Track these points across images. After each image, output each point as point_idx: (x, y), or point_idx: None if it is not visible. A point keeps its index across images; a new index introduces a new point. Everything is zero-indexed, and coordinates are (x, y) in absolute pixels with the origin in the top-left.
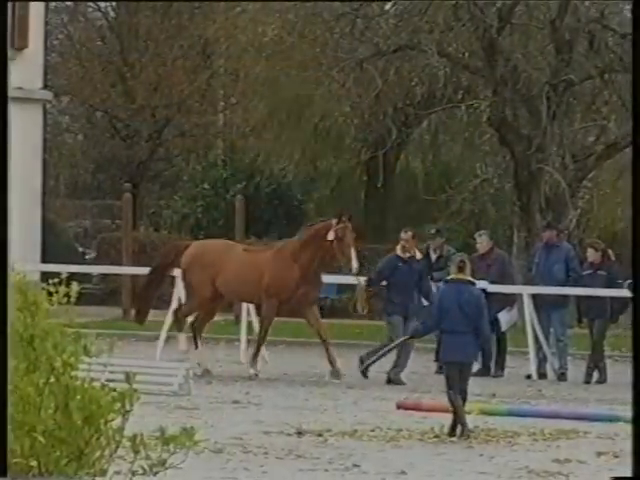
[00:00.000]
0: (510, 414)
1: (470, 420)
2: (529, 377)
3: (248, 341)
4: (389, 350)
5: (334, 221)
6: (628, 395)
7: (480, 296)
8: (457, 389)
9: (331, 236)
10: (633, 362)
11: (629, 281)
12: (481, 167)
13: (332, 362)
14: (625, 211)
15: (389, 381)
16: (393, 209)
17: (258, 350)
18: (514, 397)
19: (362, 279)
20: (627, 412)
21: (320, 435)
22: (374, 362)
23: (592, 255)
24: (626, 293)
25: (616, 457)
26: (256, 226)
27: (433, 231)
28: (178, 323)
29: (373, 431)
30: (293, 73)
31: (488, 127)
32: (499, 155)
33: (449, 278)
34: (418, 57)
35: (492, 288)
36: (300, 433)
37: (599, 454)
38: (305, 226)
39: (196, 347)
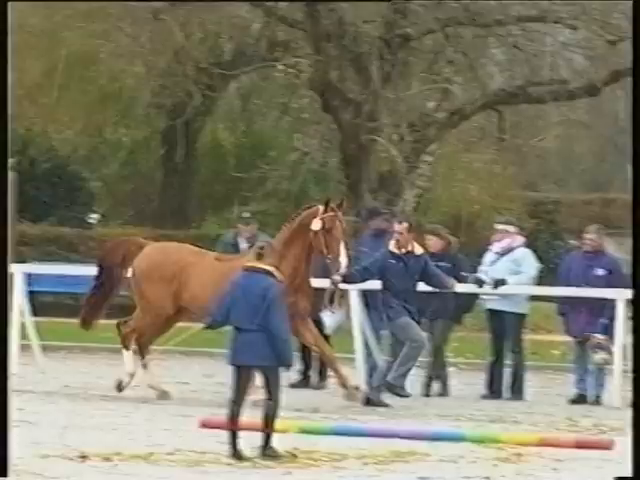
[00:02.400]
0: (335, 433)
1: (288, 440)
2: (357, 389)
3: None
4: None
5: (321, 208)
6: (475, 410)
7: (270, 287)
8: (241, 401)
9: (316, 226)
10: (633, 361)
11: (477, 274)
12: (301, 138)
13: (344, 384)
14: (471, 190)
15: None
16: (196, 188)
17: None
18: (340, 413)
19: (337, 277)
20: (474, 430)
21: (108, 459)
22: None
23: (433, 244)
24: (472, 288)
25: None
26: (31, 209)
27: (246, 215)
28: (124, 339)
29: (172, 454)
30: (75, 25)
31: (309, 90)
32: (322, 124)
33: (245, 266)
34: (225, 7)
35: (316, 283)
36: (84, 457)
37: None
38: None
39: (144, 366)
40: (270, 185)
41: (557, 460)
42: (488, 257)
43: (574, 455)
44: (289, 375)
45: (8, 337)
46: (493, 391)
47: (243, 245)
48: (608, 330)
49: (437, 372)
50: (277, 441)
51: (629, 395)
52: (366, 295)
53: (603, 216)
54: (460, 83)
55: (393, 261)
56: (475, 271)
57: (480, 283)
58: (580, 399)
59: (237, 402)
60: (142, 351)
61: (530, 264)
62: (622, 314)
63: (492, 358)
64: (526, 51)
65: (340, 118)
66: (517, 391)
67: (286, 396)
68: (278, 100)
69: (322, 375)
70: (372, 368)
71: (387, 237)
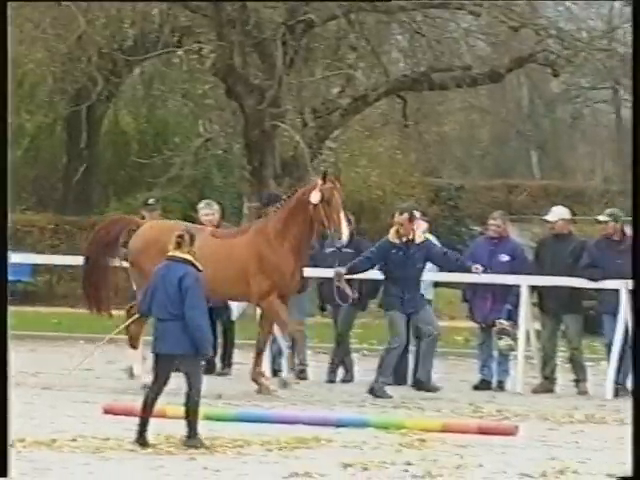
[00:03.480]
0: (239, 419)
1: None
2: (262, 375)
3: None
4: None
5: (319, 180)
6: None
7: (185, 276)
8: (157, 389)
9: (315, 198)
10: (633, 362)
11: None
12: (204, 124)
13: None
14: (374, 177)
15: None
16: (100, 174)
17: (260, 357)
18: (244, 399)
19: (340, 269)
20: (378, 416)
21: (11, 446)
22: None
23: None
24: (377, 274)
25: (365, 469)
26: None
27: (152, 201)
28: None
29: (75, 440)
30: None
31: (212, 76)
32: (226, 110)
33: (167, 255)
34: None
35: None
36: None
37: (345, 466)
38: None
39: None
40: (173, 171)
41: (460, 446)
42: None
43: (477, 441)
44: None
45: (8, 337)
46: (397, 377)
47: None
48: (512, 316)
49: (341, 358)
50: (179, 428)
51: (532, 381)
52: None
53: (506, 202)
54: (363, 69)
55: (393, 250)
56: None
57: None
58: (484, 385)
59: (153, 389)
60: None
61: None
62: (526, 300)
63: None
64: (429, 37)
65: (244, 104)
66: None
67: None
68: (181, 86)
69: (225, 362)
70: (276, 354)
71: None
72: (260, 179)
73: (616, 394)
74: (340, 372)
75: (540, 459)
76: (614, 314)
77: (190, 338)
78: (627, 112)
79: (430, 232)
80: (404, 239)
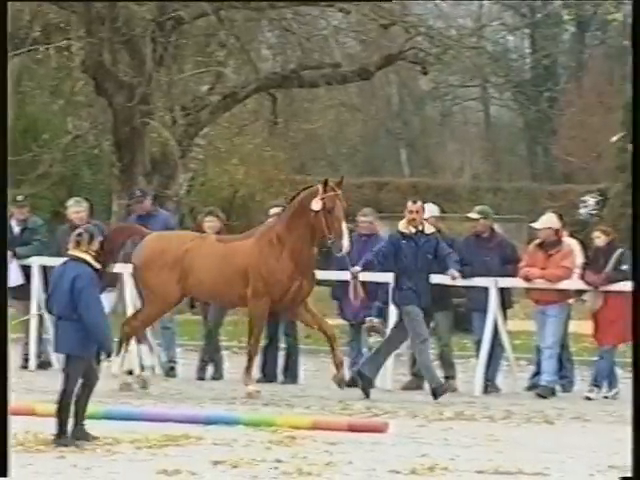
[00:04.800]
0: (108, 417)
1: (55, 424)
2: (130, 373)
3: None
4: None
5: (320, 187)
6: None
7: (79, 276)
8: (66, 388)
9: (316, 206)
10: (633, 360)
11: None
12: (74, 121)
13: (338, 366)
14: (244, 174)
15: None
16: None
17: (251, 363)
18: (112, 396)
19: (356, 267)
20: (248, 414)
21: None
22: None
23: (213, 225)
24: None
25: (235, 467)
26: None
27: (20, 198)
28: (132, 334)
29: None
30: None
31: (82, 73)
32: (96, 107)
33: (67, 254)
34: None
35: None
36: None
37: (215, 463)
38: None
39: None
40: (42, 168)
41: (330, 443)
42: None
43: (347, 438)
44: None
45: (8, 336)
46: (267, 374)
47: (16, 228)
48: (383, 314)
49: (211, 355)
50: (48, 426)
51: (402, 378)
52: None
53: (376, 199)
54: (233, 67)
55: (404, 241)
56: None
57: None
58: (354, 382)
59: (64, 389)
60: (127, 340)
61: None
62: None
63: (266, 341)
64: (299, 35)
65: (113, 101)
66: (291, 374)
67: (54, 381)
68: (50, 83)
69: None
70: (147, 350)
71: (152, 218)
72: (130, 176)
73: (485, 391)
74: (210, 369)
75: (410, 456)
76: (484, 311)
77: (86, 338)
78: (495, 110)
79: None
80: (413, 230)
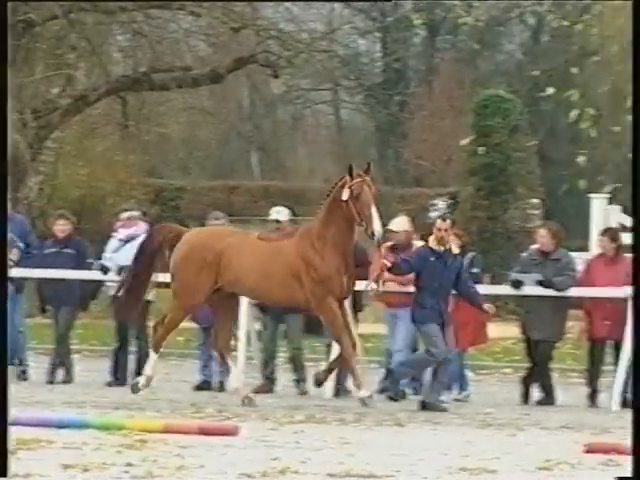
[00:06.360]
0: None
1: None
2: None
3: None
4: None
5: (347, 177)
6: (100, 397)
7: None
8: None
9: (345, 195)
10: (633, 362)
11: (102, 261)
12: None
13: (355, 376)
14: (94, 177)
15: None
16: None
17: (355, 371)
18: None
19: (386, 262)
20: (99, 417)
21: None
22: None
23: (62, 229)
24: (97, 275)
25: (86, 470)
26: None
27: None
28: (158, 342)
29: None
30: None
31: None
32: None
33: None
34: None
35: None
36: None
37: (66, 467)
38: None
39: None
40: None
41: (182, 446)
42: (112, 244)
43: (199, 441)
44: None
45: (7, 335)
46: (118, 378)
47: None
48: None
49: (61, 359)
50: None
51: (253, 381)
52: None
53: (227, 202)
54: (84, 69)
55: (432, 258)
56: (100, 258)
57: (105, 270)
58: (205, 385)
59: None
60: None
61: None
62: (247, 301)
63: (117, 345)
64: (150, 37)
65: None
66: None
67: None
68: None
69: None
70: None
71: (11, 222)
72: None
73: (337, 394)
74: (60, 373)
75: (261, 459)
76: None
77: None
78: (346, 113)
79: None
80: (442, 248)
